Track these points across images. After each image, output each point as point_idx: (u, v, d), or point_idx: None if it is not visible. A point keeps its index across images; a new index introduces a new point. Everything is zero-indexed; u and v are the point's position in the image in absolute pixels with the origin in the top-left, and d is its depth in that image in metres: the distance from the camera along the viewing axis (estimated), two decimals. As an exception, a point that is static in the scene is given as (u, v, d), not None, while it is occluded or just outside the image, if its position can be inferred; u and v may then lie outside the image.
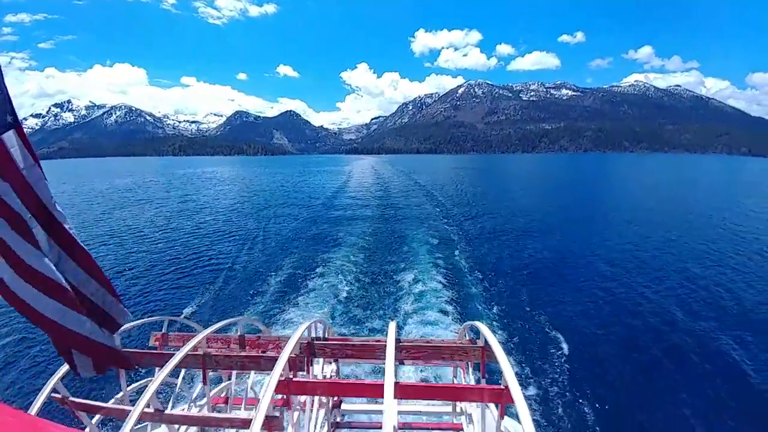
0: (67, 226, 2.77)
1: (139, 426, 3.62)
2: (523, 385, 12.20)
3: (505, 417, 3.75)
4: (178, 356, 4.41)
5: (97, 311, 3.01)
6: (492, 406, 4.56)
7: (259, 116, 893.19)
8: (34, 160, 2.53)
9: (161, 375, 3.99)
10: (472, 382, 6.28)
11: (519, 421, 2.80)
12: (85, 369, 3.05)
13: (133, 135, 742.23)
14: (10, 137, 2.43)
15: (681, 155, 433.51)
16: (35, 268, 2.54)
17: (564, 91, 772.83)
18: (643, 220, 39.59)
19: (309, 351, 5.42)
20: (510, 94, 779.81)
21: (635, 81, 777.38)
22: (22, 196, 2.51)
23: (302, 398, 5.29)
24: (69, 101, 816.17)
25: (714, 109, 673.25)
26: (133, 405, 4.04)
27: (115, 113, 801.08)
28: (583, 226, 38.11)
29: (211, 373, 5.74)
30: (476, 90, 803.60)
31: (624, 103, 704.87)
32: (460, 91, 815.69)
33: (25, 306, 2.60)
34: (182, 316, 10.24)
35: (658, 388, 12.57)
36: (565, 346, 14.96)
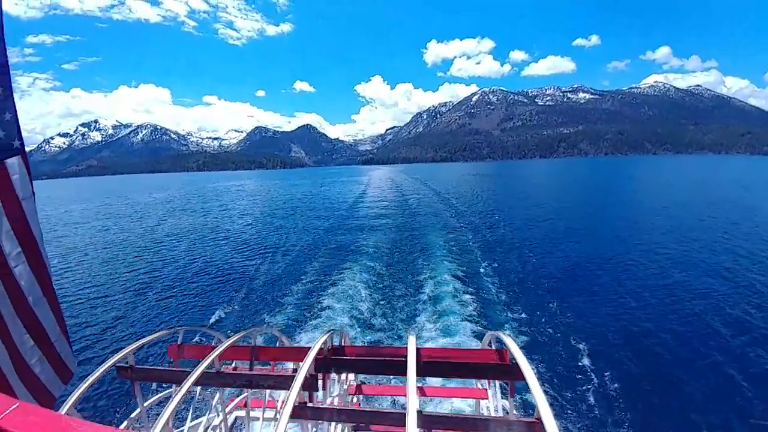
0: (47, 266, 2.73)
1: None
2: (552, 405, 10.98)
3: None
4: (194, 375, 4.44)
5: (54, 357, 3.05)
6: None
7: (277, 131, 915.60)
8: (32, 191, 2.49)
9: (176, 398, 4.00)
10: (498, 394, 6.34)
11: None
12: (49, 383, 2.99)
13: (158, 152, 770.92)
14: (13, 164, 2.37)
15: (705, 156, 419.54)
16: None
17: (581, 95, 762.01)
18: (680, 226, 37.41)
19: (326, 365, 5.47)
20: (525, 100, 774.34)
21: (655, 82, 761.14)
22: (15, 227, 2.44)
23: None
24: (96, 121, 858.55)
25: (735, 108, 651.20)
26: (150, 423, 4.00)
27: (141, 132, 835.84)
28: (611, 232, 36.30)
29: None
30: (491, 97, 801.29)
31: (644, 105, 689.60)
32: (474, 99, 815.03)
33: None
34: (206, 327, 11.11)
35: (710, 416, 11.42)
36: (598, 361, 14.18)
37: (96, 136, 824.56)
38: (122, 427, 5.21)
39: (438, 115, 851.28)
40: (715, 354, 14.61)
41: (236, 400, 7.52)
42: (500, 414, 5.70)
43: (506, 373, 5.01)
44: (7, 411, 1.64)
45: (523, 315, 18.46)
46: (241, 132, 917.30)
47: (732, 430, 10.79)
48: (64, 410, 4.44)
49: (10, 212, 2.40)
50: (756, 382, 12.78)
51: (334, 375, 7.06)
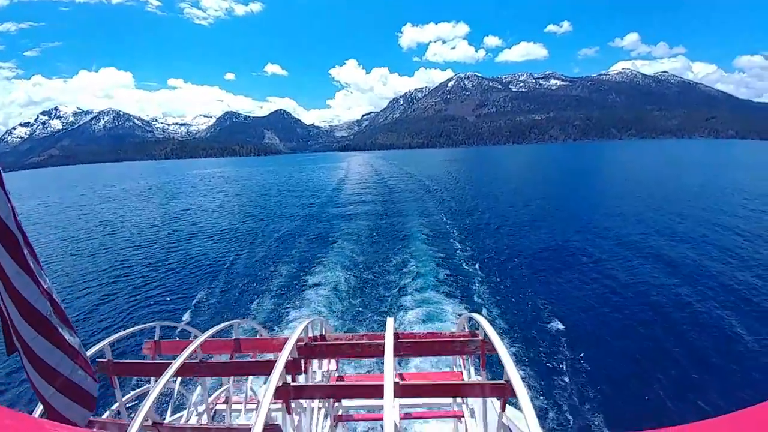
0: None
1: None
2: (524, 377, 11.86)
3: (507, 407, 3.80)
4: (174, 366, 4.34)
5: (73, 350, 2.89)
6: (494, 398, 4.65)
7: (249, 116, 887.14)
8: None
9: (157, 387, 3.92)
10: (472, 373, 6.22)
11: (521, 411, 2.86)
12: (71, 412, 2.90)
13: (122, 140, 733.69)
14: None
15: (667, 140, 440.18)
16: (29, 301, 2.47)
17: (553, 81, 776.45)
18: (639, 207, 39.47)
19: (307, 352, 5.42)
20: (500, 86, 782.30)
21: (623, 69, 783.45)
22: (15, 218, 2.44)
23: (302, 400, 5.36)
24: (56, 108, 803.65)
25: (701, 93, 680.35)
26: (130, 417, 3.91)
27: (103, 118, 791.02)
28: (580, 214, 37.88)
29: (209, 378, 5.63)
30: (466, 83, 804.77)
31: (612, 91, 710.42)
32: (450, 85, 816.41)
33: (18, 334, 2.50)
34: (183, 323, 10.98)
35: (661, 379, 12.39)
36: (564, 335, 15.00)
37: (56, 124, 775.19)
38: (103, 418, 5.10)
39: (414, 101, 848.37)
40: (684, 331, 15.22)
41: (216, 393, 7.36)
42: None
43: (477, 346, 5.10)
44: None
45: (499, 296, 19.05)
46: (211, 117, 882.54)
47: (701, 409, 10.99)
48: (40, 406, 4.32)
49: (10, 206, 2.37)
50: (729, 358, 13.31)
51: (315, 364, 6.97)
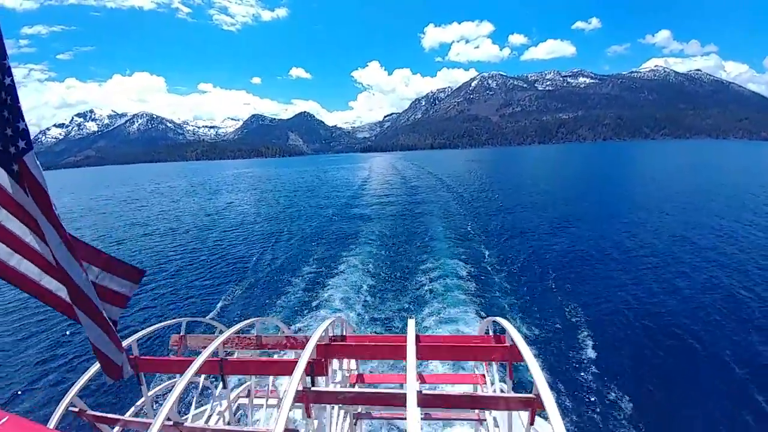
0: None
1: None
2: (552, 385, 11.39)
3: (536, 419, 3.66)
4: (196, 364, 4.42)
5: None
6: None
7: (274, 119, 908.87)
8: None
9: (179, 386, 4.01)
10: (497, 378, 6.17)
11: (549, 423, 2.73)
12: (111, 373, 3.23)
13: (155, 142, 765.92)
14: (31, 157, 2.37)
15: (703, 141, 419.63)
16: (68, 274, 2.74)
17: (581, 79, 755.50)
18: (679, 212, 37.31)
19: (328, 352, 5.45)
20: (525, 85, 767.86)
21: (655, 66, 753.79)
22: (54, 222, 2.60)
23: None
24: (92, 111, 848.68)
25: (734, 93, 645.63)
26: (155, 412, 4.10)
27: (137, 121, 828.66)
28: (611, 219, 36.14)
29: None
30: (490, 82, 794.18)
31: (644, 89, 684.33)
32: (473, 84, 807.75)
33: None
34: (207, 317, 11.58)
35: (698, 394, 11.80)
36: (594, 343, 14.45)
37: (92, 126, 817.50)
38: (127, 415, 5.20)
39: (437, 101, 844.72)
40: (718, 342, 14.57)
41: (239, 389, 7.53)
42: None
43: (504, 354, 4.92)
44: None
45: (523, 301, 18.55)
46: (238, 120, 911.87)
47: (734, 420, 10.66)
48: (68, 398, 4.53)
49: (45, 202, 2.46)
50: (758, 370, 12.79)
51: (335, 363, 6.97)
